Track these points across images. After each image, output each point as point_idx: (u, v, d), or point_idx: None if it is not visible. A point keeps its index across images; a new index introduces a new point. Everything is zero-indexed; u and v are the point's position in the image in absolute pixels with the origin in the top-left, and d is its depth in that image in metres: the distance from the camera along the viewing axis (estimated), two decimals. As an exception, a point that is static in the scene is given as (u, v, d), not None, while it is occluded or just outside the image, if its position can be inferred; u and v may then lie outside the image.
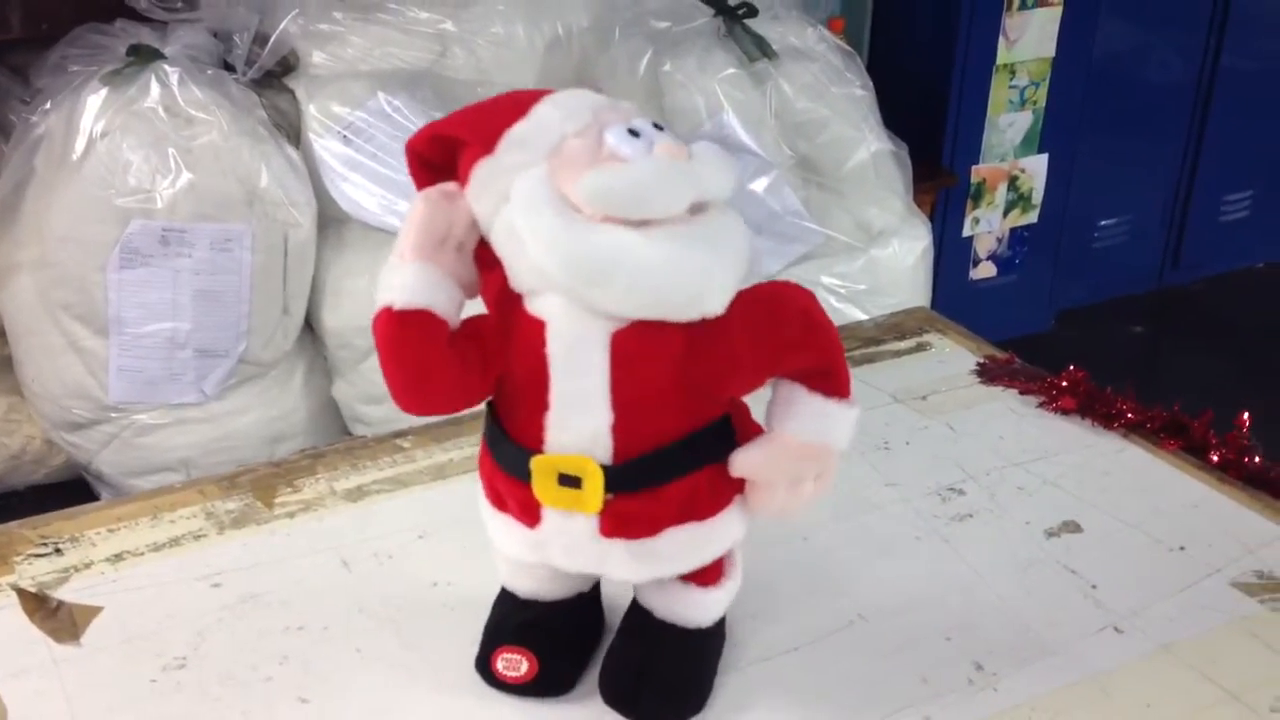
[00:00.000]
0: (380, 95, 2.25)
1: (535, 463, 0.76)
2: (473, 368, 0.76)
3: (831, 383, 0.78)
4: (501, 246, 0.75)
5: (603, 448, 0.75)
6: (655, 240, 0.72)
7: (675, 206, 0.73)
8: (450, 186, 0.76)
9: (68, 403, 2.19)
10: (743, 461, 0.78)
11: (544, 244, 0.72)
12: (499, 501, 0.81)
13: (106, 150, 2.06)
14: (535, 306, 0.75)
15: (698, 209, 0.74)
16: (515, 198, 0.73)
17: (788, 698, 0.87)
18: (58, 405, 2.20)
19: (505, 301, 0.76)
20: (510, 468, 0.78)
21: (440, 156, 0.78)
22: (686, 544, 0.80)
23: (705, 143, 0.77)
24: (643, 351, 0.74)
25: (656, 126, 0.75)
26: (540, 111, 0.76)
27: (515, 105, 0.76)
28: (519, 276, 0.75)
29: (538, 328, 0.74)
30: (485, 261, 0.77)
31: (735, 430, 0.79)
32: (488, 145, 0.74)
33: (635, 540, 0.78)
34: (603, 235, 0.71)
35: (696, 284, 0.73)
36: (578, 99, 0.77)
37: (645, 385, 0.74)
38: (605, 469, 0.75)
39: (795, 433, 0.78)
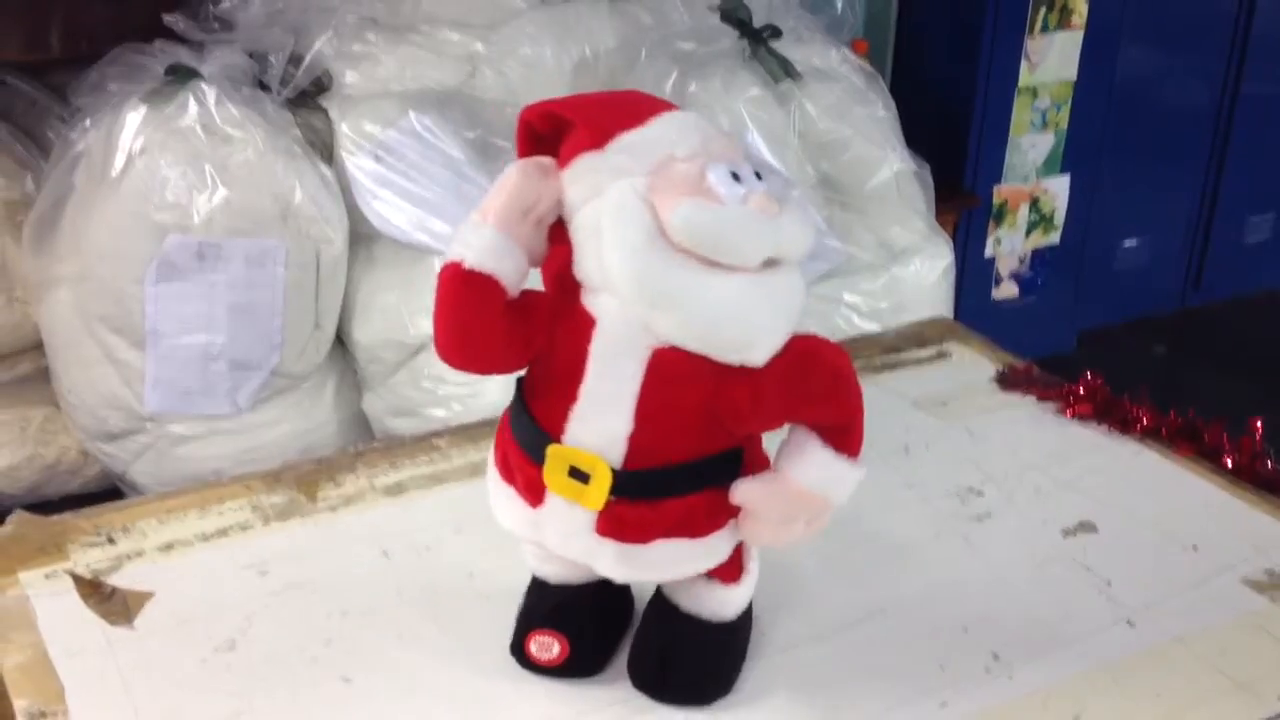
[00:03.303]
0: (411, 114, 2.29)
1: (551, 450, 0.80)
2: (516, 340, 0.79)
3: (845, 439, 0.81)
4: (580, 236, 0.78)
5: (616, 452, 0.79)
6: (725, 284, 0.75)
7: (754, 259, 0.76)
8: (546, 161, 0.80)
9: (104, 413, 2.22)
10: (743, 493, 0.82)
11: (622, 256, 0.75)
12: (507, 474, 0.85)
13: (145, 167, 2.10)
14: (590, 302, 0.79)
15: (770, 263, 0.77)
16: (609, 200, 0.76)
17: (810, 684, 0.90)
18: (94, 416, 2.23)
19: (564, 282, 0.80)
20: (526, 446, 0.82)
21: (549, 131, 0.81)
22: (674, 557, 0.83)
23: (797, 202, 0.80)
24: (676, 375, 0.77)
25: (757, 175, 0.78)
26: (656, 124, 0.79)
27: (635, 110, 0.80)
28: (585, 269, 0.78)
29: (587, 323, 0.78)
30: (557, 236, 0.80)
31: (744, 458, 0.82)
32: (599, 140, 0.78)
33: (626, 544, 0.81)
34: (678, 265, 0.75)
35: (749, 334, 0.76)
36: (693, 124, 0.81)
37: (670, 405, 0.78)
38: (614, 472, 0.79)
39: (798, 478, 0.81)
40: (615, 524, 0.80)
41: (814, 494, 0.81)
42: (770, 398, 0.78)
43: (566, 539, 0.82)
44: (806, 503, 0.81)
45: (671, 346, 0.77)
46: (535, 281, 0.82)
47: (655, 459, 0.79)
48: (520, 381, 0.83)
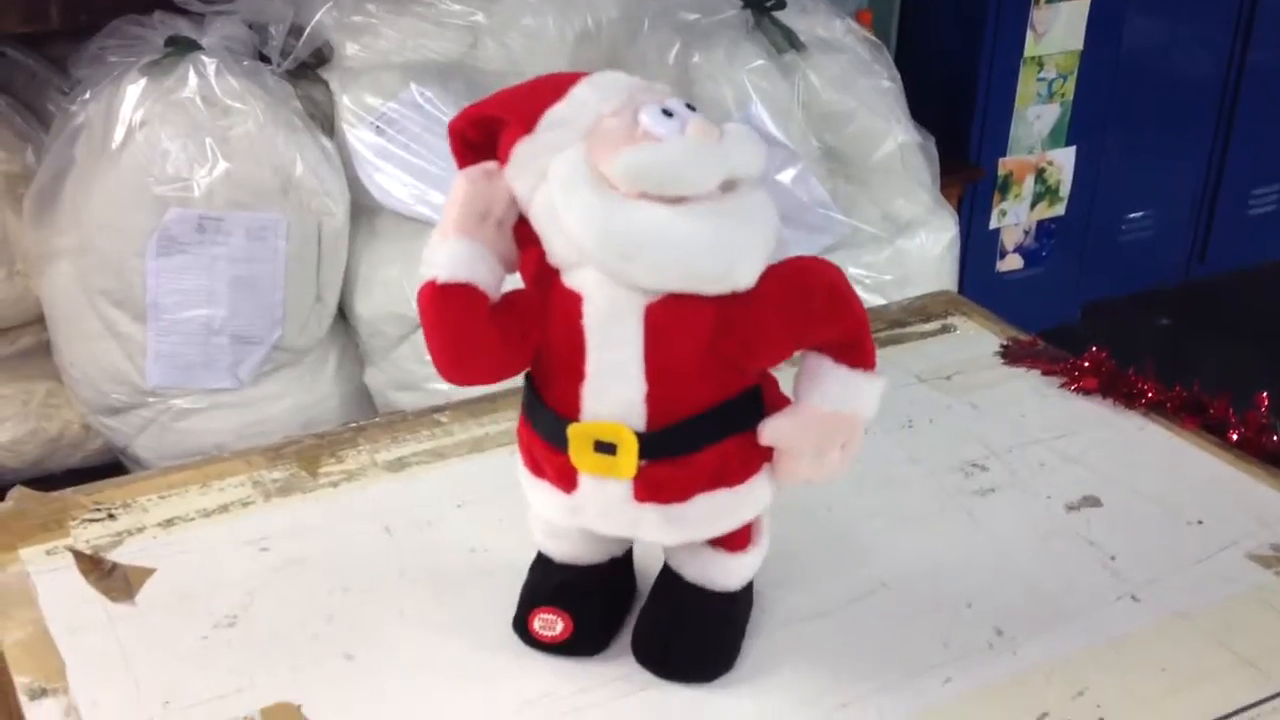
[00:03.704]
0: (413, 86, 2.28)
1: (572, 430, 0.79)
2: (512, 339, 0.79)
3: (857, 354, 0.80)
4: (540, 222, 0.78)
5: (637, 416, 0.78)
6: (687, 216, 0.75)
7: (707, 183, 0.76)
8: (490, 165, 0.80)
9: (106, 387, 2.22)
10: (771, 430, 0.81)
11: (581, 219, 0.75)
12: (537, 469, 0.85)
13: (145, 139, 2.10)
14: (572, 280, 0.78)
15: (729, 187, 0.77)
16: (553, 175, 0.76)
17: (813, 659, 0.90)
18: (96, 390, 2.23)
19: (543, 276, 0.80)
20: (548, 436, 0.82)
21: (481, 137, 0.81)
22: (717, 509, 0.83)
23: (736, 123, 0.80)
24: (675, 324, 0.77)
25: (689, 107, 0.78)
26: (578, 92, 0.79)
27: (554, 87, 0.80)
28: (556, 251, 0.78)
29: (574, 301, 0.78)
30: (524, 238, 0.80)
31: (764, 401, 0.82)
32: (527, 125, 0.78)
33: (667, 505, 0.81)
34: (637, 211, 0.75)
35: (727, 258, 0.76)
36: (613, 81, 0.81)
37: (677, 356, 0.78)
38: (639, 436, 0.78)
39: (822, 402, 0.80)
40: (652, 487, 0.80)
41: (841, 414, 0.80)
42: (772, 324, 0.78)
43: (606, 515, 0.82)
44: (836, 425, 0.81)
45: (662, 298, 0.76)
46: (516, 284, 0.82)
47: (676, 414, 0.78)
48: (529, 377, 0.83)
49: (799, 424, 0.81)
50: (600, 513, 0.82)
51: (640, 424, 0.79)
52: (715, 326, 0.77)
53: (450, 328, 0.78)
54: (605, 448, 0.79)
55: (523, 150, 0.78)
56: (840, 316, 0.80)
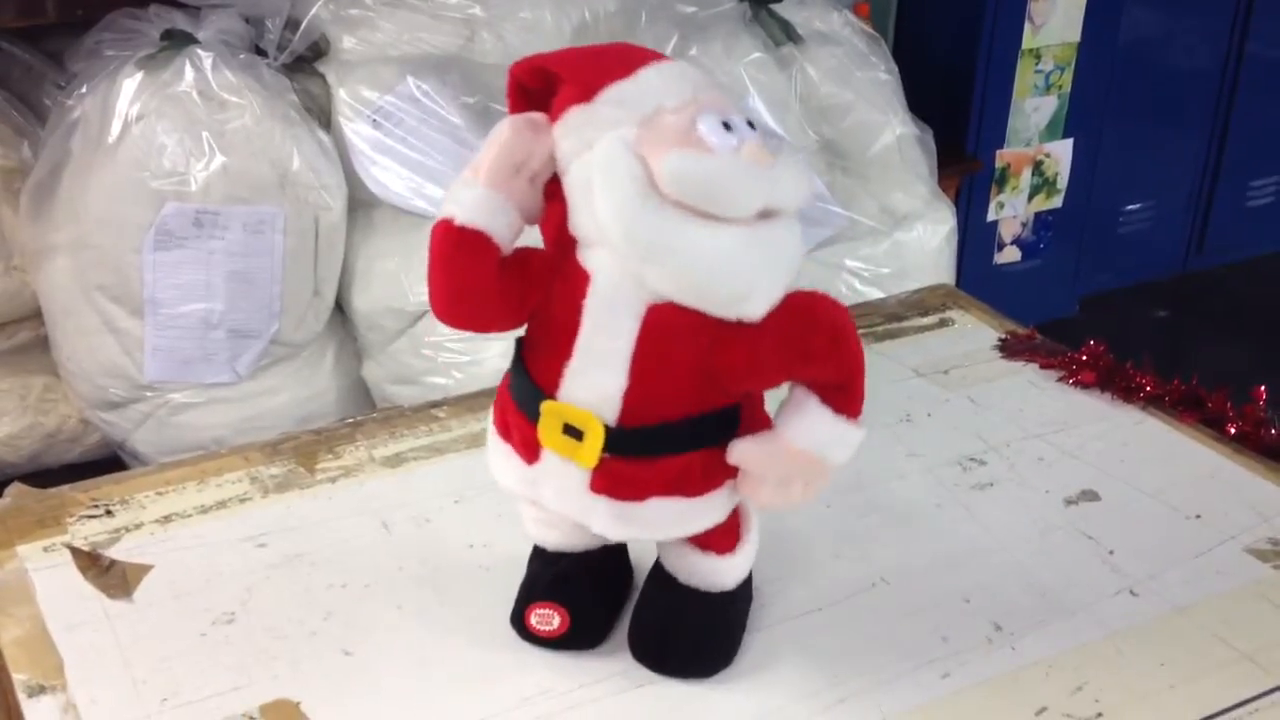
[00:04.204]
0: (409, 80, 2.27)
1: (545, 406, 0.79)
2: (512, 296, 0.79)
3: (845, 399, 0.79)
4: (572, 191, 0.77)
5: (610, 409, 0.78)
6: (718, 235, 0.74)
7: (747, 210, 0.75)
8: (538, 117, 0.78)
9: (103, 382, 2.22)
10: (740, 452, 0.81)
11: (613, 208, 0.74)
12: (505, 431, 0.84)
13: (141, 133, 2.09)
14: (585, 257, 0.78)
15: (766, 215, 0.76)
16: (599, 153, 0.75)
17: (812, 655, 0.90)
18: (93, 384, 2.23)
19: (561, 240, 0.79)
20: (522, 403, 0.81)
21: (540, 86, 0.80)
22: (669, 515, 0.82)
23: (791, 152, 0.79)
24: (672, 330, 0.76)
25: (750, 125, 0.77)
26: (645, 75, 0.78)
27: (623, 61, 0.78)
28: (579, 224, 0.77)
29: (582, 278, 0.77)
30: (553, 193, 0.79)
31: (741, 418, 0.81)
32: (588, 93, 0.76)
33: (621, 501, 0.80)
34: (670, 217, 0.74)
35: (744, 287, 0.75)
36: (682, 73, 0.79)
37: (666, 362, 0.77)
38: (607, 429, 0.78)
39: (795, 438, 0.79)
40: (609, 481, 0.80)
41: (811, 454, 0.80)
42: (768, 355, 0.77)
43: (561, 496, 0.82)
44: (804, 463, 0.80)
45: (667, 303, 0.76)
46: (535, 239, 0.82)
47: (650, 416, 0.78)
48: (519, 340, 0.82)
49: (768, 453, 0.80)
50: (556, 492, 0.82)
51: (612, 417, 0.78)
52: (711, 344, 0.77)
53: (455, 270, 0.77)
54: (573, 432, 0.79)
55: (576, 117, 0.77)
56: (838, 359, 0.78)
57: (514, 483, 0.85)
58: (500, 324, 0.80)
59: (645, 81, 0.77)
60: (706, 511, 0.83)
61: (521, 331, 0.83)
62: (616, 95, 0.76)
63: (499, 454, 0.85)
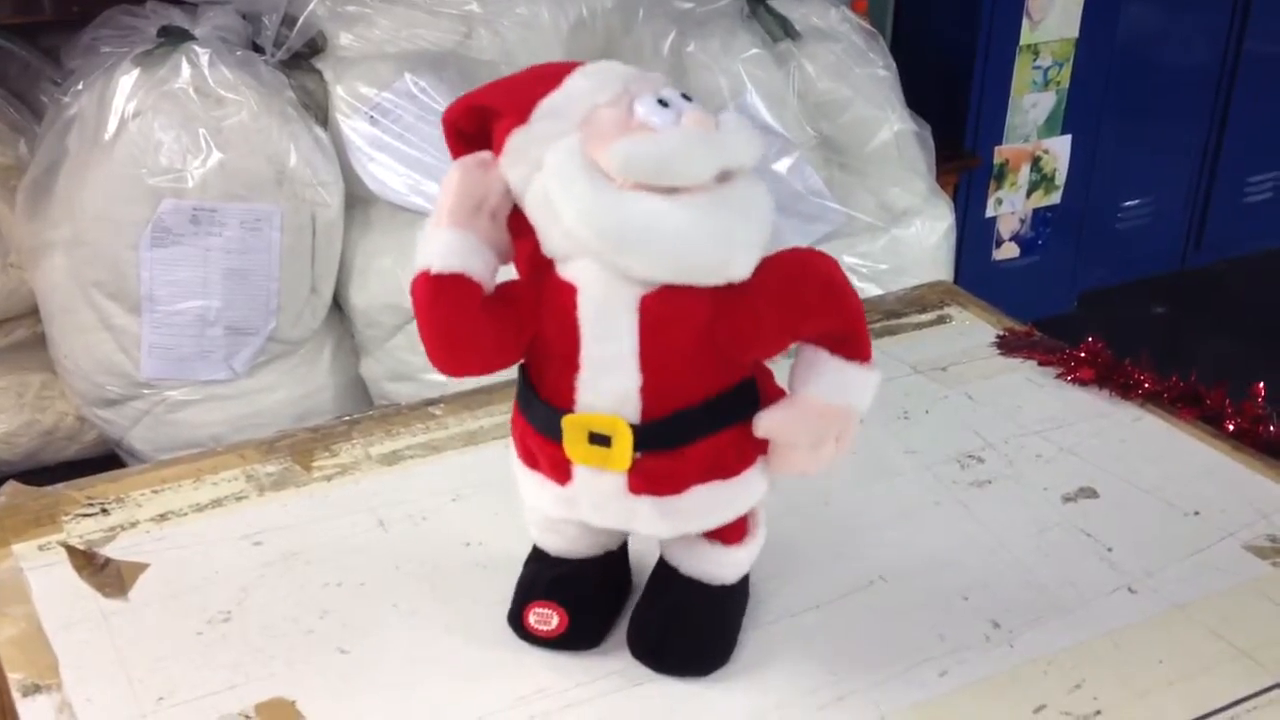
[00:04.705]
0: (406, 76, 2.27)
1: (566, 422, 0.79)
2: (506, 330, 0.79)
3: (852, 346, 0.80)
4: (534, 213, 0.78)
5: (631, 408, 0.78)
6: (683, 207, 0.74)
7: (703, 174, 0.75)
8: (484, 155, 0.79)
9: (100, 379, 2.22)
10: (766, 422, 0.81)
11: (576, 211, 0.74)
12: (531, 460, 0.84)
13: (138, 130, 2.09)
14: (567, 271, 0.77)
15: (725, 177, 0.76)
16: (548, 166, 0.76)
17: (809, 652, 0.90)
18: (90, 382, 2.23)
19: (537, 267, 0.79)
20: (542, 427, 0.81)
21: (474, 127, 0.81)
22: (711, 501, 0.82)
23: (732, 113, 0.80)
24: (670, 315, 0.76)
25: (685, 97, 0.78)
26: (572, 82, 0.78)
27: (547, 76, 0.79)
28: (551, 242, 0.78)
29: (569, 292, 0.77)
30: (518, 229, 0.79)
31: (759, 393, 0.82)
32: (521, 115, 0.77)
33: (662, 497, 0.81)
34: (633, 202, 0.74)
35: (723, 249, 0.75)
36: (608, 70, 0.80)
37: (673, 348, 0.77)
38: (634, 428, 0.78)
39: (817, 394, 0.80)
40: (647, 479, 0.80)
41: (835, 406, 0.80)
42: (767, 316, 0.77)
43: (601, 508, 0.82)
44: (831, 417, 0.80)
45: (658, 290, 0.76)
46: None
47: (671, 406, 0.78)
48: (523, 369, 0.82)
49: (794, 416, 0.81)
50: (595, 505, 0.82)
51: (635, 416, 0.78)
52: (710, 318, 0.77)
53: (443, 319, 0.77)
54: (600, 439, 0.79)
55: (517, 140, 0.77)
56: (836, 308, 0.79)
57: (551, 507, 0.85)
58: (503, 359, 0.81)
59: (573, 88, 0.78)
60: (746, 490, 0.83)
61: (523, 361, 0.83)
62: (549, 108, 0.77)
63: (530, 483, 0.85)
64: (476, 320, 0.77)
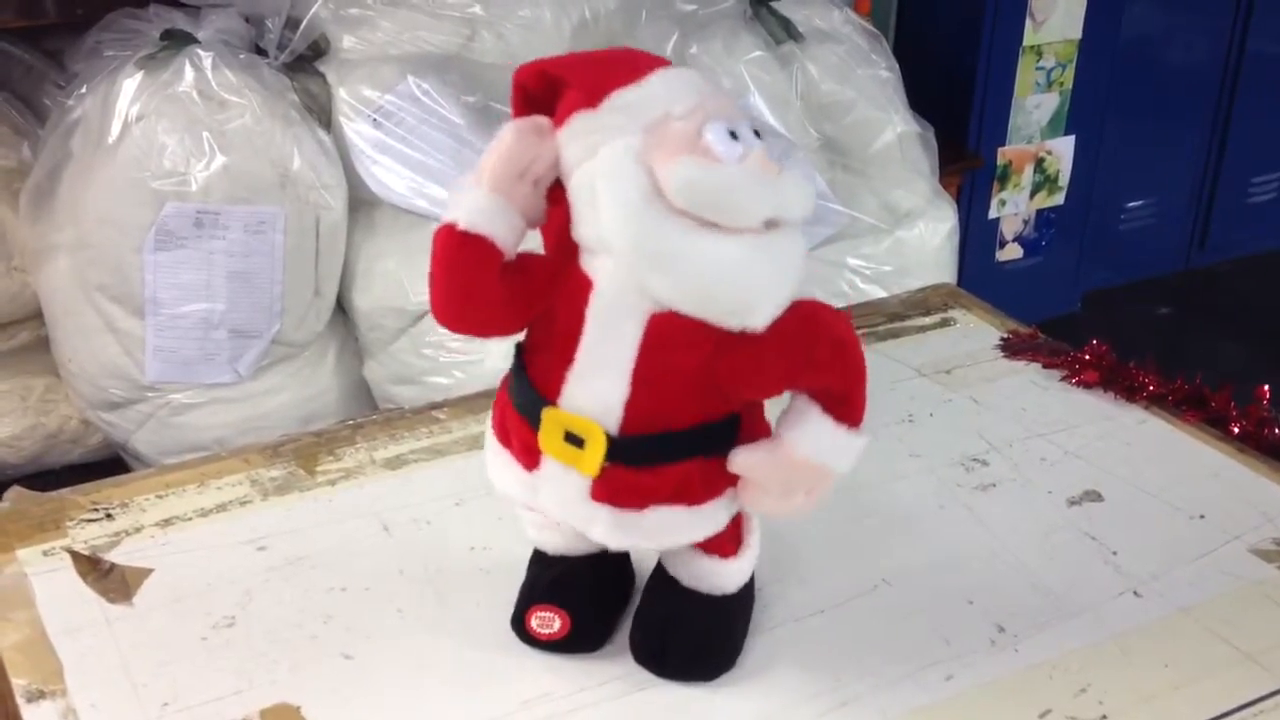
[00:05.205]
0: (410, 79, 2.27)
1: (546, 413, 0.79)
2: (515, 301, 0.78)
3: (847, 409, 0.79)
4: (575, 197, 0.77)
5: (613, 417, 0.77)
6: (723, 245, 0.73)
7: (755, 219, 0.74)
8: (542, 121, 0.77)
9: (104, 382, 2.22)
10: (742, 461, 0.80)
11: (618, 216, 0.74)
12: (504, 436, 0.84)
13: (142, 133, 2.09)
14: (588, 264, 0.77)
15: (771, 225, 0.75)
16: (603, 161, 0.74)
17: (814, 657, 0.90)
18: (94, 385, 2.23)
19: (563, 244, 0.78)
20: (523, 409, 0.81)
21: (543, 91, 0.79)
22: (670, 524, 0.81)
23: (797, 162, 0.79)
24: (674, 339, 0.76)
25: (755, 133, 0.76)
26: (652, 82, 0.77)
27: (630, 67, 0.78)
28: (581, 232, 0.77)
29: (585, 285, 0.77)
30: (556, 197, 0.78)
31: (742, 427, 0.81)
32: (593, 99, 0.76)
33: (622, 510, 0.80)
34: (675, 226, 0.73)
35: (749, 297, 0.74)
36: (690, 81, 0.79)
37: (668, 371, 0.77)
38: (609, 438, 0.77)
39: (798, 448, 0.79)
40: (610, 490, 0.79)
41: (812, 463, 0.79)
42: (770, 364, 0.77)
43: (561, 503, 0.81)
44: (805, 472, 0.80)
45: (670, 311, 0.75)
46: (536, 242, 0.81)
47: (652, 425, 0.78)
48: (519, 345, 0.82)
49: (770, 462, 0.80)
50: (556, 499, 0.81)
51: (614, 426, 0.77)
52: (712, 353, 0.76)
53: (457, 275, 0.77)
54: (575, 440, 0.78)
55: (581, 123, 0.76)
56: (840, 368, 0.78)
57: (513, 488, 0.84)
58: (501, 329, 0.80)
59: (651, 88, 0.77)
60: (707, 520, 0.82)
61: (521, 336, 0.82)
62: (622, 102, 0.76)
63: (498, 460, 0.85)
64: (490, 284, 0.76)
